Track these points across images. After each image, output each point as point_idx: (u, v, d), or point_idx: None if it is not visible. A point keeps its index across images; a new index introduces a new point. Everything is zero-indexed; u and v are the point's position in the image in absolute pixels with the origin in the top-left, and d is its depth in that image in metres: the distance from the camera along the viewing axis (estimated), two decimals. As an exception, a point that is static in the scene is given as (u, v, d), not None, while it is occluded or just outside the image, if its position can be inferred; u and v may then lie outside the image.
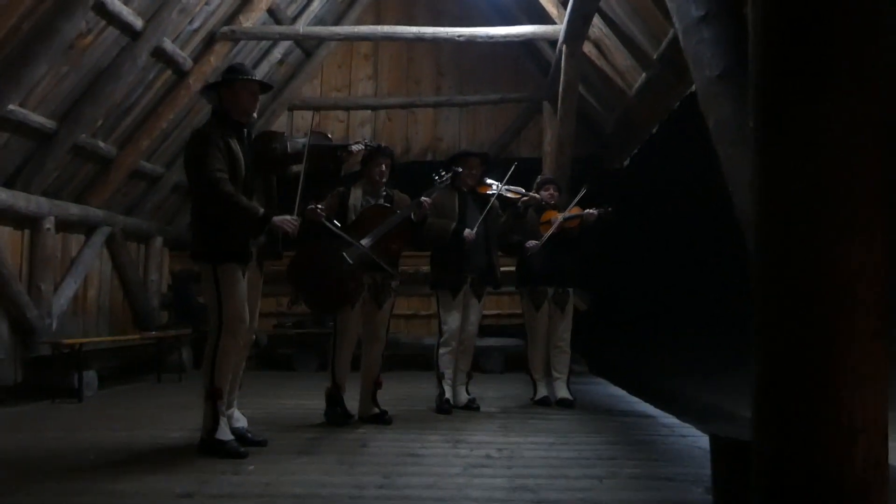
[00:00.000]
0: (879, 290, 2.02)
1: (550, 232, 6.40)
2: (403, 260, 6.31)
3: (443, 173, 5.81)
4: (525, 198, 6.35)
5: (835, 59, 2.02)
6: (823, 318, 2.01)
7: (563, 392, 6.56)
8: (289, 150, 4.63)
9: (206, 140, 4.34)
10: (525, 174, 7.24)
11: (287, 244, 4.64)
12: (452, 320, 6.10)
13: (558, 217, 6.45)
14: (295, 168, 4.66)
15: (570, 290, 6.66)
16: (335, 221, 5.16)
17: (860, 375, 1.99)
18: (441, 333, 6.16)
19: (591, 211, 6.42)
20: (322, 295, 5.30)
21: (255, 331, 9.61)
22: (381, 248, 5.37)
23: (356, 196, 5.56)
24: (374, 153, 5.52)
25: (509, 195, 6.36)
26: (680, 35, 3.45)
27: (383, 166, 5.60)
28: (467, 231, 5.99)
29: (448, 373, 6.13)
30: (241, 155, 4.41)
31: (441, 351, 6.12)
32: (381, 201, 5.60)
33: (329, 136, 5.11)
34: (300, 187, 4.58)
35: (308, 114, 10.95)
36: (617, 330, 12.04)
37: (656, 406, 6.69)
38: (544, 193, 6.68)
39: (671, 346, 12.75)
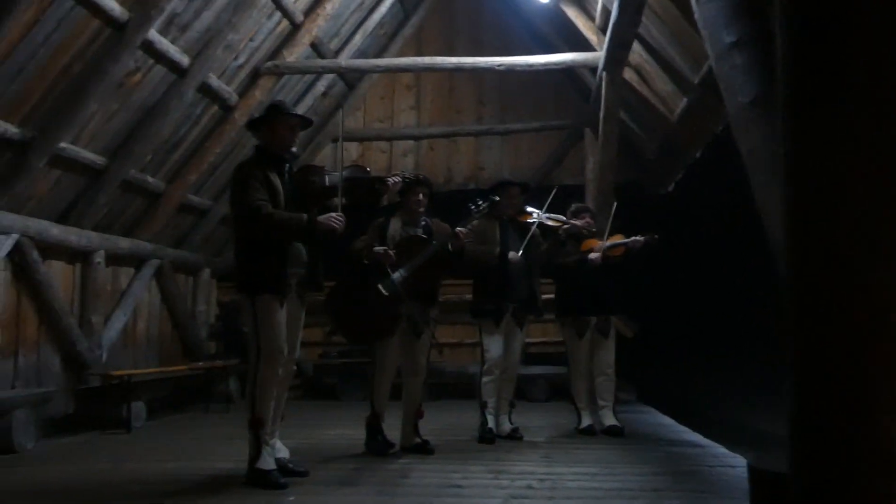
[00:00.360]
0: (917, 317, 1.96)
1: (602, 254, 6.33)
2: (447, 288, 6.36)
3: (479, 202, 5.81)
4: (566, 226, 6.32)
5: (865, 86, 1.99)
6: (858, 347, 1.96)
7: (610, 420, 6.49)
8: (327, 183, 4.70)
9: (246, 173, 4.47)
10: (568, 201, 7.24)
11: (335, 237, 4.60)
12: (495, 349, 6.07)
13: (602, 244, 6.40)
14: (334, 201, 4.71)
15: (612, 317, 6.60)
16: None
17: (896, 404, 1.93)
18: (483, 362, 6.14)
19: (637, 238, 6.34)
20: (358, 326, 5.34)
21: (300, 360, 9.78)
22: (416, 279, 5.38)
23: (395, 227, 5.60)
24: (411, 184, 5.55)
25: (550, 223, 6.32)
26: (712, 61, 3.42)
27: (420, 196, 5.63)
28: (512, 253, 5.98)
29: (491, 402, 6.11)
30: (280, 188, 4.50)
31: (484, 380, 6.10)
32: (420, 231, 5.63)
33: (367, 169, 5.16)
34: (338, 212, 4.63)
35: (353, 145, 11.09)
36: (665, 357, 11.84)
37: (705, 435, 6.54)
38: (580, 222, 6.65)
39: (721, 372, 12.49)
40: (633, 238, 6.36)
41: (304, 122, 4.84)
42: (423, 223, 5.69)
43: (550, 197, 6.31)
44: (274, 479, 4.32)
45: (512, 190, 6.27)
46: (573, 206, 6.90)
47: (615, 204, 6.60)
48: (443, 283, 5.83)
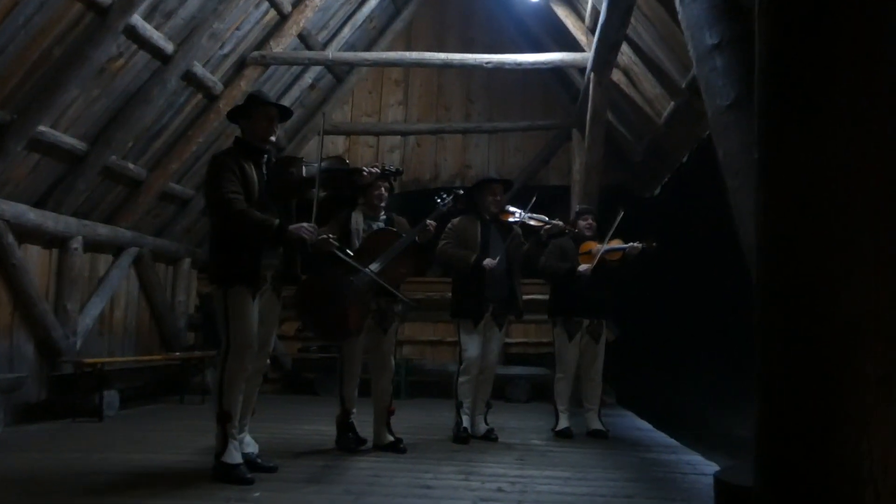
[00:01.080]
0: (888, 331, 1.91)
1: (595, 263, 6.32)
2: (429, 286, 6.31)
3: (444, 196, 5.78)
4: (548, 226, 6.26)
5: (841, 91, 1.95)
6: (827, 360, 1.91)
7: (595, 424, 6.48)
8: (305, 174, 4.63)
9: (221, 164, 4.39)
10: (553, 202, 7.21)
11: (306, 251, 4.59)
12: (473, 349, 6.03)
13: (600, 247, 6.37)
14: (311, 193, 4.65)
15: (604, 321, 6.59)
16: (347, 250, 5.07)
17: (865, 421, 1.88)
18: (461, 362, 6.10)
19: (635, 245, 6.33)
20: (328, 323, 5.23)
21: (279, 354, 9.71)
22: (388, 272, 5.32)
23: (357, 220, 5.53)
24: (378, 177, 5.46)
25: (532, 223, 6.27)
26: (694, 63, 3.39)
27: (382, 189, 5.58)
28: (487, 260, 5.93)
29: (467, 402, 6.07)
30: (255, 178, 4.43)
31: (461, 380, 6.06)
32: (382, 225, 5.57)
33: (346, 160, 5.10)
34: (314, 212, 4.57)
35: (340, 139, 11.04)
36: (646, 360, 11.86)
37: (683, 440, 6.54)
38: (582, 223, 6.61)
39: (703, 377, 12.53)
40: (630, 244, 6.34)
41: (283, 112, 4.75)
42: (383, 217, 5.63)
43: (533, 199, 6.26)
44: (240, 474, 4.26)
45: (495, 187, 6.22)
46: (577, 207, 6.87)
47: (622, 212, 6.52)
48: (408, 278, 5.75)
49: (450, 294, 6.33)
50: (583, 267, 6.37)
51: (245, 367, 4.40)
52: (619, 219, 6.49)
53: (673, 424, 7.66)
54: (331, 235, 4.93)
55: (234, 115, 4.68)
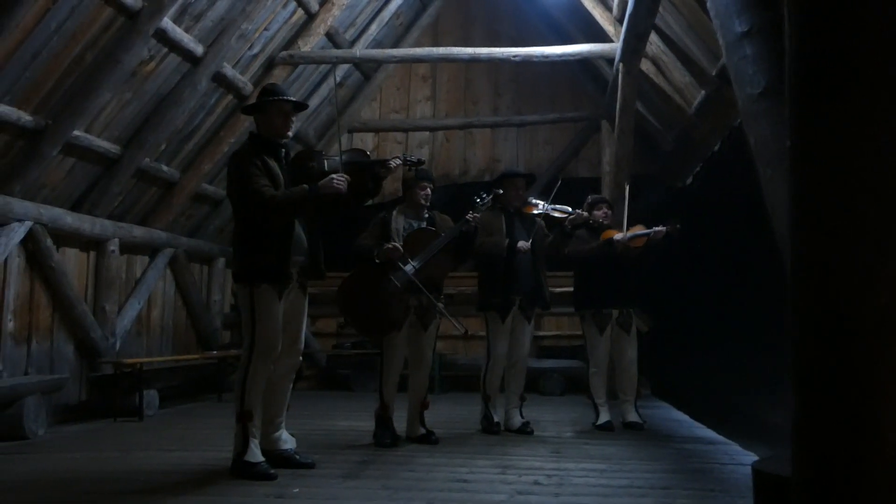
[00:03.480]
0: (924, 320, 1.88)
1: (634, 233, 6.26)
2: (461, 280, 6.34)
3: (483, 195, 5.81)
4: (572, 216, 6.22)
5: (873, 77, 1.91)
6: (864, 351, 1.88)
7: (631, 416, 6.44)
8: (326, 168, 4.62)
9: (245, 160, 4.38)
10: (584, 194, 7.13)
11: (339, 203, 4.55)
12: (500, 343, 6.05)
13: (625, 234, 6.31)
14: None
15: (633, 311, 6.51)
16: (410, 260, 5.21)
17: (906, 408, 1.86)
18: (488, 356, 6.12)
19: (658, 228, 6.22)
20: (370, 320, 5.33)
21: (314, 351, 9.78)
22: (428, 271, 5.38)
23: (398, 220, 5.59)
24: (417, 177, 5.55)
25: (555, 214, 6.25)
26: (723, 51, 3.35)
27: (428, 189, 5.64)
28: (521, 243, 5.95)
29: (495, 395, 6.09)
30: (279, 174, 4.44)
31: (489, 373, 6.08)
32: (424, 224, 5.61)
33: (368, 153, 5.10)
34: (339, 204, 4.58)
35: (369, 135, 11.09)
36: (681, 351, 11.75)
37: (721, 431, 6.47)
38: (597, 213, 6.56)
39: (739, 367, 12.39)
40: (654, 228, 6.24)
41: (298, 106, 4.74)
42: (426, 216, 5.68)
43: (555, 189, 6.25)
44: (261, 471, 4.28)
45: (517, 181, 6.24)
46: (590, 198, 6.81)
47: (627, 187, 6.53)
48: (449, 274, 5.80)
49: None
50: (618, 235, 6.30)
51: (269, 367, 4.42)
52: (626, 194, 6.52)
53: (710, 414, 7.58)
54: (397, 245, 5.16)
55: (249, 110, 4.68)
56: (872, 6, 1.94)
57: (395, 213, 5.64)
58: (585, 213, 6.32)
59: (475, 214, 5.54)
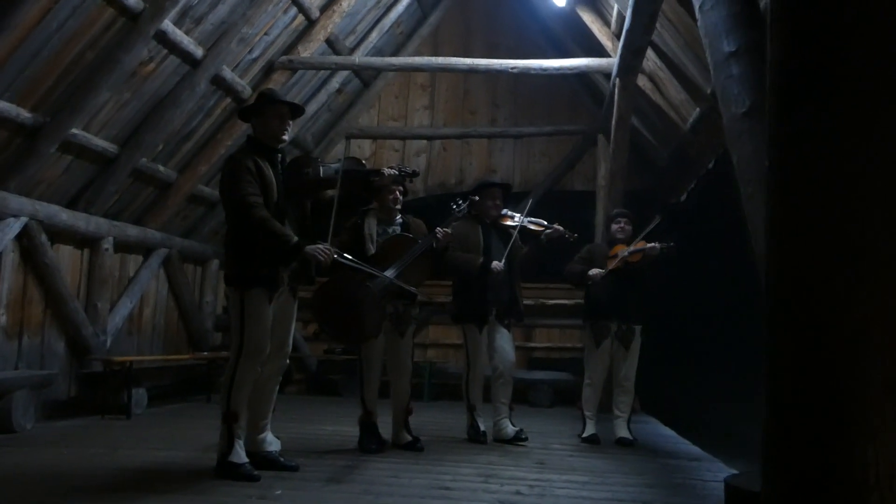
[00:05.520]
0: (897, 337, 1.92)
1: (614, 265, 6.30)
2: (444, 290, 6.36)
3: (460, 202, 5.80)
4: (548, 230, 6.16)
5: (852, 95, 1.94)
6: (835, 366, 1.90)
7: (622, 431, 6.41)
8: (321, 174, 4.65)
9: (238, 165, 4.38)
10: (577, 208, 7.20)
11: (319, 270, 4.65)
12: (479, 353, 6.09)
13: (624, 251, 6.35)
14: (328, 193, 4.68)
15: (637, 327, 6.49)
16: (346, 255, 4.85)
17: (873, 428, 1.89)
18: (468, 365, 6.15)
19: (653, 245, 6.25)
20: (345, 328, 5.23)
21: (304, 356, 9.79)
22: (405, 278, 5.33)
23: (370, 225, 5.56)
24: (395, 180, 5.47)
25: (531, 227, 6.22)
26: (711, 70, 3.40)
27: (397, 193, 5.60)
28: (495, 263, 5.96)
29: (479, 405, 6.13)
30: (273, 179, 4.45)
31: (471, 383, 6.10)
32: (398, 229, 5.61)
33: (363, 161, 5.13)
34: (333, 213, 4.60)
35: (366, 143, 11.13)
36: (669, 366, 11.78)
37: (706, 447, 6.48)
38: (615, 227, 6.58)
39: (726, 385, 12.41)
40: (649, 245, 6.27)
41: (295, 110, 4.73)
42: (399, 221, 5.67)
43: (529, 202, 6.30)
44: (245, 472, 4.30)
45: (493, 191, 6.24)
46: (614, 211, 6.86)
47: (658, 218, 6.45)
48: (424, 281, 5.78)
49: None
50: (593, 271, 6.36)
51: (256, 370, 4.45)
52: (652, 225, 6.41)
53: (697, 430, 7.61)
54: (327, 248, 4.93)
55: (247, 113, 4.69)
56: (853, 27, 1.97)
57: (367, 218, 5.59)
58: (561, 228, 6.22)
59: (445, 230, 5.47)
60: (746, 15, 3.23)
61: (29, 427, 6.09)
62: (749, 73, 3.05)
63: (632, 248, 6.34)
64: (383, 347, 5.58)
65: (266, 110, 4.54)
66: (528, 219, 6.23)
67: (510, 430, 6.13)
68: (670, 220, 7.01)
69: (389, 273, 5.24)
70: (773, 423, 2.05)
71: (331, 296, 5.19)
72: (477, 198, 5.97)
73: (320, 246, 4.41)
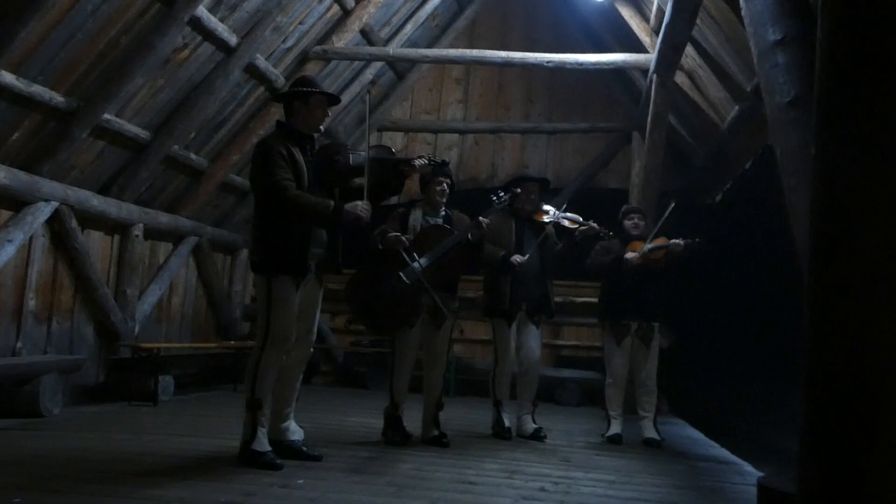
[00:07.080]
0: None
1: (640, 258, 6.18)
2: (480, 284, 6.30)
3: (501, 194, 5.74)
4: (583, 227, 6.10)
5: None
6: (876, 367, 1.82)
7: (650, 432, 6.30)
8: (351, 162, 4.61)
9: (270, 150, 4.37)
10: (611, 206, 7.04)
11: (346, 261, 4.61)
12: (508, 348, 6.03)
13: (645, 245, 6.23)
14: (357, 181, 4.63)
15: (656, 325, 6.39)
16: (414, 253, 5.10)
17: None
18: (496, 361, 6.08)
19: (677, 241, 6.10)
20: (378, 316, 5.24)
21: (333, 348, 9.78)
22: (438, 268, 5.30)
23: (416, 216, 5.56)
24: (434, 173, 5.48)
25: (565, 223, 6.15)
26: (755, 59, 3.29)
27: (445, 185, 5.57)
28: (515, 256, 5.90)
29: (505, 400, 6.06)
30: (304, 165, 4.43)
31: (497, 378, 6.04)
32: (441, 221, 5.57)
33: (392, 150, 5.09)
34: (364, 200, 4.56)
35: (398, 135, 11.10)
36: (702, 368, 11.64)
37: (735, 451, 6.36)
38: (628, 223, 6.46)
39: (760, 387, 12.25)
40: (673, 241, 6.13)
41: (332, 100, 4.76)
42: (443, 213, 5.64)
43: (566, 201, 6.19)
44: (268, 460, 4.28)
45: (530, 185, 6.18)
46: (624, 207, 6.74)
47: (671, 205, 6.29)
48: (462, 275, 5.73)
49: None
50: (630, 254, 6.21)
51: (281, 357, 4.42)
52: (668, 212, 6.26)
53: (726, 434, 7.48)
54: (402, 235, 5.04)
55: (290, 97, 4.62)
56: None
57: (413, 209, 5.61)
58: (596, 226, 6.16)
59: (485, 220, 5.43)
60: (793, 3, 3.12)
61: (56, 412, 6.11)
62: (795, 62, 2.95)
63: (651, 244, 6.19)
64: (419, 341, 5.53)
65: (313, 98, 4.53)
66: (564, 215, 6.15)
67: (530, 426, 6.11)
68: (696, 218, 6.86)
69: (422, 262, 5.22)
70: (810, 424, 1.96)
71: (363, 284, 5.23)
72: (519, 190, 5.90)
73: (359, 203, 4.38)
